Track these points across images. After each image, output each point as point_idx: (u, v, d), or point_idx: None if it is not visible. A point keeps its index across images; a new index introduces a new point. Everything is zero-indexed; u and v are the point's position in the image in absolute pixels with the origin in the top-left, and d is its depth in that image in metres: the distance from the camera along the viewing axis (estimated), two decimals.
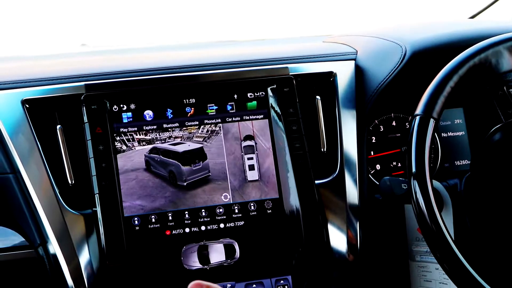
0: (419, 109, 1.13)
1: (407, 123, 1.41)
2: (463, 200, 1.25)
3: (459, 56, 1.16)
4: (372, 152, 1.42)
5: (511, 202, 1.18)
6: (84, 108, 1.26)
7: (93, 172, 1.24)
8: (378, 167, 1.42)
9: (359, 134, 1.35)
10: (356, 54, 1.47)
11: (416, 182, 1.09)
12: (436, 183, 1.25)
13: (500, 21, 1.79)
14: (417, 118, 1.12)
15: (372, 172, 1.40)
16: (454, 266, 1.06)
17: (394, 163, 1.43)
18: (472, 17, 1.94)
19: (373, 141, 1.42)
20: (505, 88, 1.24)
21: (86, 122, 1.26)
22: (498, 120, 1.26)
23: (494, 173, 1.21)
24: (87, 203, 1.26)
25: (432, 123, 1.10)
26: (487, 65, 1.18)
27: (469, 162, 1.40)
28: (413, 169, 1.10)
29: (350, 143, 1.34)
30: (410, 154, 1.12)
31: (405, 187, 1.21)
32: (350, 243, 1.29)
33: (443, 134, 1.46)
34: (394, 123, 1.44)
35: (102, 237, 1.23)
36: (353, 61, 1.44)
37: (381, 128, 1.43)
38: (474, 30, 1.48)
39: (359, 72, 1.43)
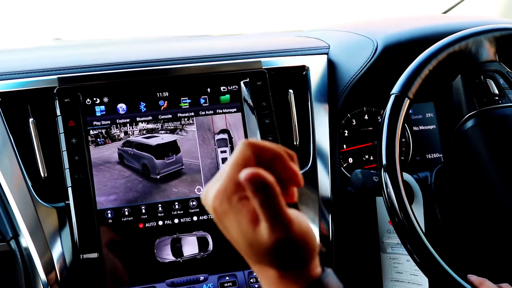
0: (395, 88, 1.14)
1: (379, 117, 1.42)
2: (433, 192, 1.26)
3: (441, 41, 1.18)
4: (344, 146, 1.43)
5: (481, 190, 1.20)
6: (57, 101, 1.26)
7: (66, 165, 1.24)
8: (350, 160, 1.43)
9: (332, 127, 1.36)
10: (329, 48, 1.47)
11: (386, 174, 1.10)
12: (407, 176, 1.26)
13: (471, 16, 1.81)
14: (392, 96, 1.13)
15: (344, 165, 1.41)
16: (424, 258, 1.07)
17: (367, 157, 1.44)
18: (445, 12, 1.95)
19: (346, 134, 1.43)
20: (482, 77, 1.25)
21: (59, 115, 1.25)
22: (470, 110, 1.27)
23: (466, 161, 1.23)
24: (60, 196, 1.26)
25: (406, 102, 1.12)
26: (466, 53, 1.20)
27: (440, 155, 1.42)
28: (384, 161, 1.11)
29: (322, 136, 1.35)
30: (381, 144, 1.13)
31: (376, 180, 1.22)
32: (323, 235, 1.30)
33: (415, 128, 1.47)
34: (366, 117, 1.45)
35: (75, 230, 1.23)
36: (326, 55, 1.45)
37: (354, 121, 1.44)
38: (446, 24, 1.49)
39: (332, 66, 1.44)
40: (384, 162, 1.12)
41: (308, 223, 0.76)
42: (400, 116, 1.12)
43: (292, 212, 0.74)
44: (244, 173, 0.70)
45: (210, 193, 0.75)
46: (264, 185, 0.70)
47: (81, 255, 1.22)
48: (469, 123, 1.24)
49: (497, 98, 1.24)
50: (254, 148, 0.75)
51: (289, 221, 0.73)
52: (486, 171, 1.21)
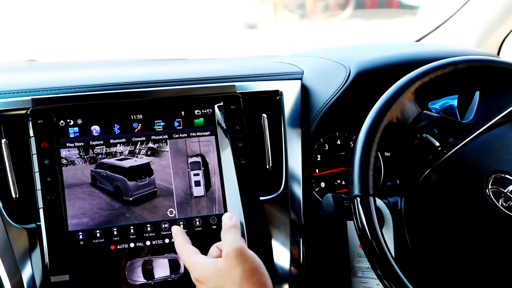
0: (356, 190, 1.12)
1: (351, 142, 1.43)
2: (403, 218, 1.25)
3: (367, 124, 1.16)
4: (317, 170, 1.43)
5: (449, 230, 1.20)
6: (30, 123, 1.25)
7: (38, 186, 1.23)
8: (322, 184, 1.43)
9: (304, 152, 1.36)
10: (302, 74, 1.48)
11: (358, 199, 1.10)
12: (377, 201, 1.25)
13: (443, 45, 1.84)
14: (357, 200, 1.12)
15: (316, 189, 1.42)
16: (394, 283, 1.07)
17: (339, 181, 1.45)
18: (418, 40, 1.97)
19: (318, 159, 1.44)
20: (418, 135, 1.25)
21: (32, 136, 1.24)
22: (423, 171, 1.26)
23: (432, 213, 1.22)
24: (31, 217, 1.25)
25: (371, 200, 1.11)
26: (396, 122, 1.20)
27: None
28: (356, 193, 1.11)
29: (295, 160, 1.35)
30: (353, 178, 1.13)
31: (347, 204, 1.21)
32: (294, 259, 1.30)
33: (386, 154, 1.47)
34: (338, 142, 1.45)
35: (46, 252, 1.21)
36: (299, 81, 1.45)
37: (326, 146, 1.44)
38: (418, 52, 1.52)
39: (305, 91, 1.44)
40: (356, 189, 1.12)
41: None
42: (373, 215, 1.11)
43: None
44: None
45: None
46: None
47: (51, 277, 1.21)
48: (427, 181, 1.23)
49: (440, 149, 1.24)
50: None
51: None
52: (451, 221, 1.21)
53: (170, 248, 1.27)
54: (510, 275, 1.17)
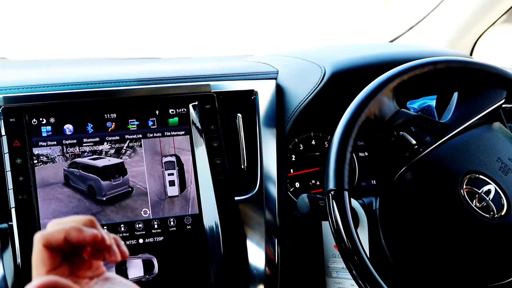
0: (331, 184, 1.14)
1: (326, 142, 1.45)
2: (378, 218, 1.27)
3: (345, 119, 1.18)
4: (291, 170, 1.44)
5: (423, 230, 1.22)
6: (2, 121, 1.25)
7: (10, 185, 1.23)
8: (297, 185, 1.44)
9: (279, 152, 1.37)
10: (277, 73, 1.49)
11: (333, 199, 1.11)
12: (352, 201, 1.26)
13: (416, 45, 1.86)
14: (331, 194, 1.13)
15: (291, 189, 1.43)
16: (369, 283, 1.08)
17: (313, 181, 1.46)
18: (392, 41, 1.99)
19: (293, 159, 1.45)
20: (395, 133, 1.27)
21: (4, 135, 1.25)
22: (399, 168, 1.28)
23: (407, 213, 1.24)
24: (3, 217, 1.25)
25: (346, 194, 1.13)
26: (373, 119, 1.21)
27: None
28: (331, 187, 1.12)
29: (270, 160, 1.36)
30: (328, 172, 1.14)
31: (322, 204, 1.22)
32: (269, 259, 1.31)
33: (361, 154, 1.49)
34: (313, 142, 1.47)
35: (18, 252, 1.21)
36: (274, 80, 1.46)
37: (301, 146, 1.46)
38: (392, 53, 1.54)
39: (280, 91, 1.45)
40: (331, 187, 1.13)
41: None
42: (347, 209, 1.13)
43: None
44: (33, 285, 0.71)
45: None
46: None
47: (22, 278, 1.20)
48: (402, 180, 1.25)
49: (416, 147, 1.25)
50: (48, 244, 0.76)
51: None
52: (426, 220, 1.22)
53: (144, 249, 1.28)
54: (483, 274, 1.19)
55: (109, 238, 0.77)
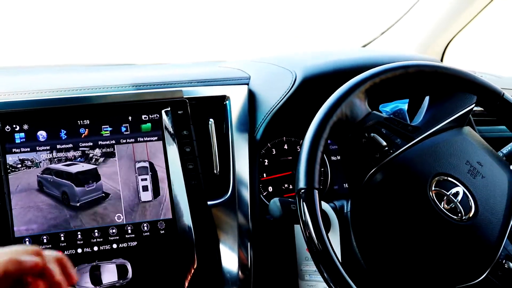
0: (301, 183, 1.14)
1: (298, 147, 1.46)
2: (349, 221, 1.27)
3: (317, 120, 1.18)
4: (264, 174, 1.45)
5: (393, 232, 1.22)
6: None
7: None
8: (270, 189, 1.45)
9: (251, 156, 1.37)
10: (249, 79, 1.50)
11: (304, 203, 1.11)
12: (324, 204, 1.28)
13: (388, 51, 1.86)
14: (301, 192, 1.14)
15: (264, 193, 1.44)
16: (340, 286, 1.09)
17: (286, 185, 1.47)
18: (364, 46, 2.00)
19: (266, 163, 1.46)
20: (366, 134, 1.27)
21: None
22: (369, 169, 1.27)
23: (377, 215, 1.24)
24: None
25: (316, 193, 1.13)
26: (344, 119, 1.22)
27: None
28: (301, 186, 1.12)
29: (242, 165, 1.37)
30: (299, 171, 1.14)
31: (294, 208, 1.22)
32: (242, 263, 1.32)
33: (333, 158, 1.49)
34: (286, 147, 1.47)
35: None
36: (246, 86, 1.47)
37: (274, 151, 1.47)
38: (363, 58, 1.55)
39: (252, 96, 1.46)
40: (301, 186, 1.13)
41: None
42: (316, 208, 1.13)
43: None
44: None
45: None
46: None
47: None
48: (372, 181, 1.25)
49: (387, 148, 1.25)
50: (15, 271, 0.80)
51: None
52: (396, 219, 1.22)
53: (118, 254, 1.28)
54: (451, 275, 1.20)
55: (54, 267, 0.82)
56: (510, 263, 1.23)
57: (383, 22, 2.00)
